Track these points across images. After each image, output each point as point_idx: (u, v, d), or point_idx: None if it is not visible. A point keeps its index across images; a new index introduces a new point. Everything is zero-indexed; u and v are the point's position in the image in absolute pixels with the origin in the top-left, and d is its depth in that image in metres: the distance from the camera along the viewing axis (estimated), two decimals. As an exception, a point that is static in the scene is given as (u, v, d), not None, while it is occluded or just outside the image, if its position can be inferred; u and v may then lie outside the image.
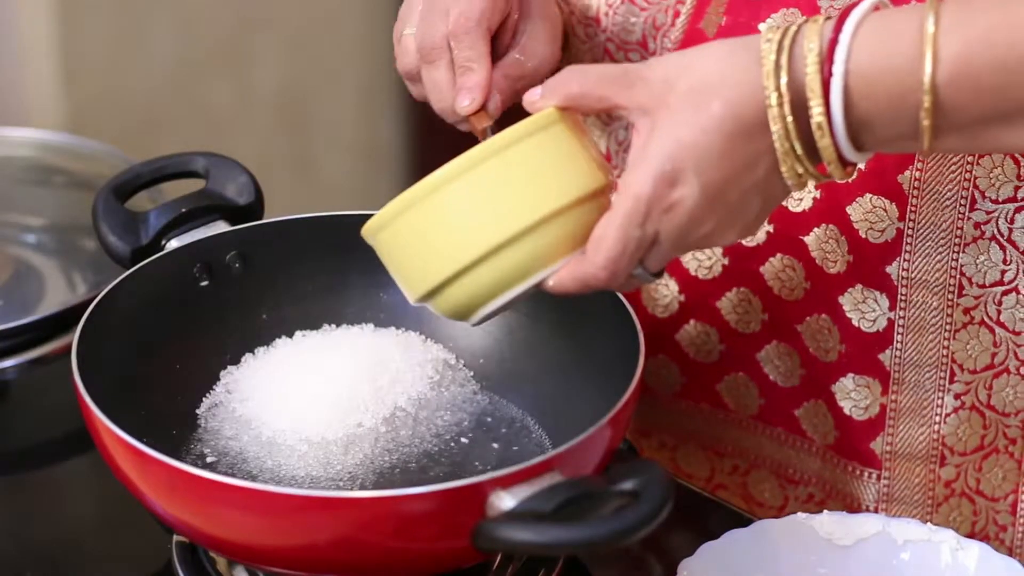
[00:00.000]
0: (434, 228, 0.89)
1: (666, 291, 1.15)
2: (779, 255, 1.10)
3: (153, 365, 1.05)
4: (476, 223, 0.89)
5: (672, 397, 1.19)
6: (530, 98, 0.91)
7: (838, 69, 0.86)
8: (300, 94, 2.48)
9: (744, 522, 1.02)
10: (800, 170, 0.88)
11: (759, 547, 1.00)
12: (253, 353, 1.09)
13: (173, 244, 1.08)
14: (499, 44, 1.05)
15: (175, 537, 1.03)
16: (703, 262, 1.13)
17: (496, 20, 1.03)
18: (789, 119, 0.87)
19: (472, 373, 1.10)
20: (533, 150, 0.89)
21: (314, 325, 1.10)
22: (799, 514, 1.02)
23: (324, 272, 1.11)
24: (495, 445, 1.05)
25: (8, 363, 1.23)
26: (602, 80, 0.90)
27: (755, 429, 1.17)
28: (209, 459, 1.03)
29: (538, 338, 1.09)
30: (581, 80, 0.90)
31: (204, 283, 1.08)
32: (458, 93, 1.01)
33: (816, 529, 1.01)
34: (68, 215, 1.42)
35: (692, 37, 1.10)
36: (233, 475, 1.00)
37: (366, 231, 0.92)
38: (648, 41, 1.13)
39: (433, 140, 2.47)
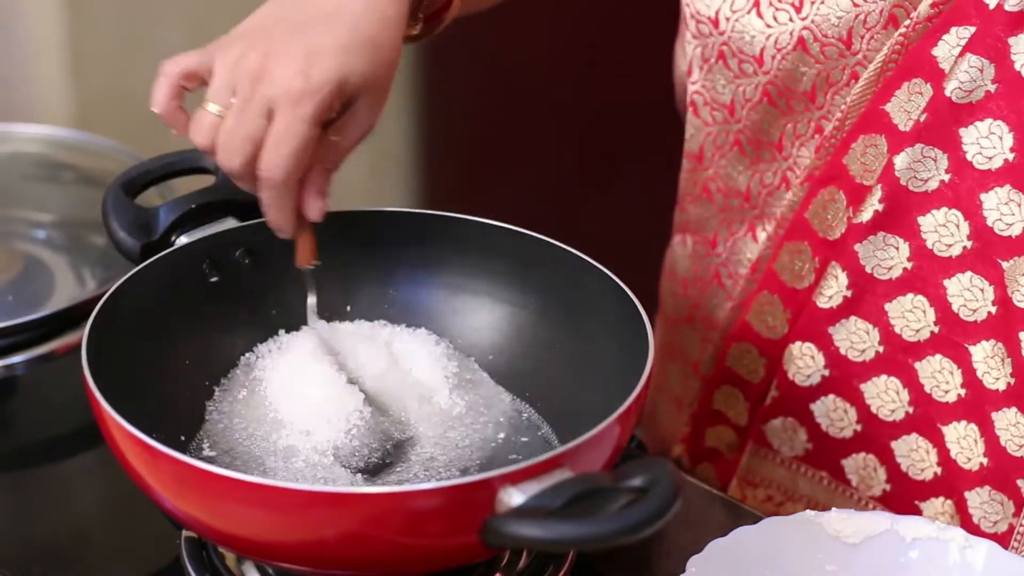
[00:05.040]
0: None
1: (812, 364, 1.13)
2: (939, 356, 1.09)
3: (162, 360, 1.05)
4: None
5: (792, 459, 1.18)
6: None
7: None
8: (308, 91, 2.48)
9: (752, 520, 1.02)
10: None
11: (767, 545, 1.00)
12: (263, 348, 1.09)
13: (182, 240, 1.08)
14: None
15: (184, 532, 1.03)
16: (856, 344, 1.11)
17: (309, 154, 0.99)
18: None
19: (485, 372, 1.10)
20: None
21: (323, 320, 1.10)
22: (807, 512, 1.02)
23: (333, 268, 1.10)
24: (504, 441, 1.05)
25: (17, 358, 1.23)
26: None
27: (872, 510, 1.15)
28: (218, 454, 1.03)
29: (547, 336, 1.09)
30: None
31: (213, 279, 1.09)
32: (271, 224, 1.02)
33: (824, 527, 1.01)
34: (77, 211, 1.42)
35: (873, 118, 1.08)
36: (243, 470, 1.00)
37: None
38: (817, 95, 1.11)
39: (441, 137, 2.47)
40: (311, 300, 1.08)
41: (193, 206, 1.09)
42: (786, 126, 1.13)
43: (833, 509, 1.02)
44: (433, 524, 0.88)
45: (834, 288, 1.11)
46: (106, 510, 1.15)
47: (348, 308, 1.11)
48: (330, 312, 1.11)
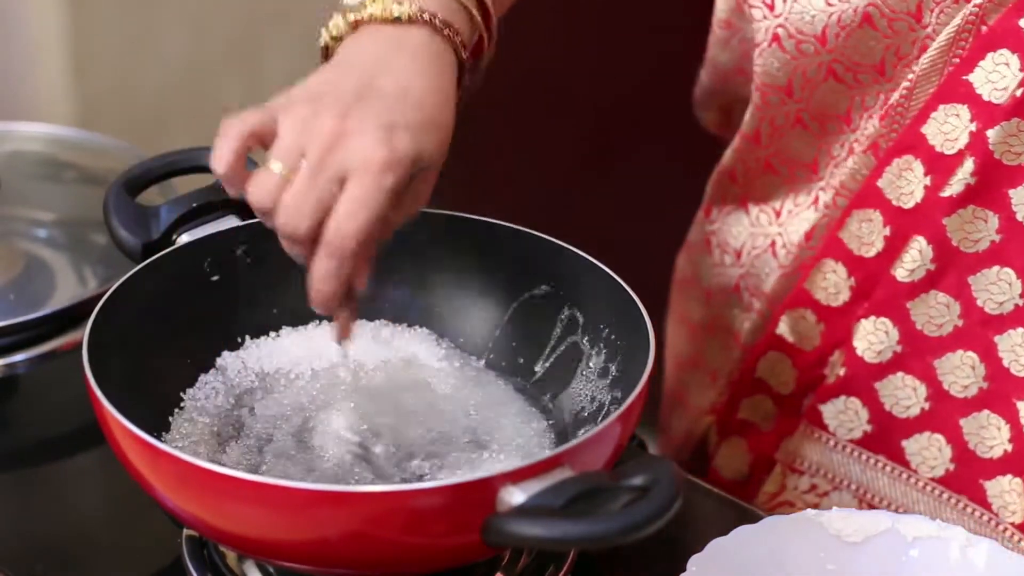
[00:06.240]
0: None
1: (885, 339, 1.12)
2: (1021, 329, 1.08)
3: (164, 359, 1.05)
4: None
5: (848, 442, 1.17)
6: None
7: None
8: (311, 90, 2.48)
9: (753, 519, 1.02)
10: None
11: (768, 544, 1.00)
12: (267, 344, 1.09)
13: (184, 239, 1.08)
14: None
15: (185, 531, 1.03)
16: (934, 319, 1.11)
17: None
18: None
19: (492, 372, 1.10)
20: None
21: (325, 319, 1.11)
22: (808, 511, 1.02)
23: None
24: (505, 440, 1.05)
25: (19, 357, 1.23)
26: None
27: (933, 493, 1.14)
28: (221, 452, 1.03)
29: (548, 335, 1.09)
30: None
31: (215, 277, 1.09)
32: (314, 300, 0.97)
33: (825, 526, 1.01)
34: (79, 210, 1.42)
35: (953, 87, 1.07)
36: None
37: None
38: (886, 68, 1.10)
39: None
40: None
41: (194, 205, 1.09)
42: (855, 99, 1.13)
43: (834, 508, 1.02)
44: (434, 523, 0.88)
45: (917, 261, 1.10)
46: (108, 509, 1.15)
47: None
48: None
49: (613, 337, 1.05)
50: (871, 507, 1.16)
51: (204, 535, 1.00)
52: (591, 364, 1.07)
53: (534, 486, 0.87)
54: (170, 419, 1.04)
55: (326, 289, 0.95)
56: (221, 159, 0.96)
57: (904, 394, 1.13)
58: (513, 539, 0.87)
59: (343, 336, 1.00)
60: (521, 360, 1.10)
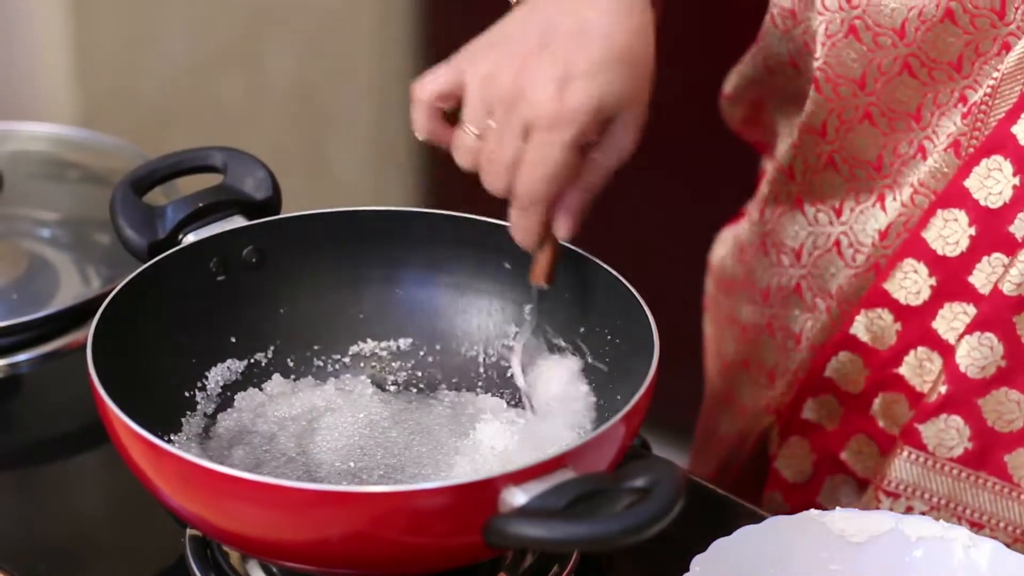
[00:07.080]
0: None
1: (990, 355, 1.11)
2: None
3: (168, 359, 1.05)
4: None
5: (947, 460, 1.15)
6: None
7: None
8: (313, 89, 2.48)
9: (757, 519, 1.03)
10: None
11: (771, 544, 1.00)
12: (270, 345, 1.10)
13: (190, 238, 1.08)
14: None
15: (188, 531, 1.03)
16: None
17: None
18: None
19: (494, 373, 1.10)
20: None
21: (330, 319, 1.11)
22: (811, 511, 1.02)
23: (340, 267, 1.11)
24: (508, 440, 1.05)
25: (22, 357, 1.23)
26: None
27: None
28: (223, 452, 1.03)
29: (553, 338, 1.09)
30: None
31: (220, 277, 1.09)
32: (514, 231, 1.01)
33: (828, 526, 1.01)
34: (82, 209, 1.42)
35: None
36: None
37: None
38: (964, 65, 1.09)
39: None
40: (530, 320, 1.07)
41: (201, 204, 1.09)
42: (927, 95, 1.11)
43: (837, 508, 1.02)
44: (436, 524, 0.88)
45: None
46: (111, 508, 1.15)
47: (354, 307, 1.11)
48: (336, 311, 1.11)
49: (617, 340, 1.05)
50: (973, 525, 1.15)
51: (207, 535, 1.00)
52: (595, 365, 1.07)
53: (536, 487, 0.87)
54: (182, 419, 1.04)
55: (518, 236, 1.01)
56: (418, 128, 1.00)
57: (1007, 408, 1.12)
58: (514, 540, 0.87)
59: (536, 277, 1.03)
60: (523, 360, 1.10)
